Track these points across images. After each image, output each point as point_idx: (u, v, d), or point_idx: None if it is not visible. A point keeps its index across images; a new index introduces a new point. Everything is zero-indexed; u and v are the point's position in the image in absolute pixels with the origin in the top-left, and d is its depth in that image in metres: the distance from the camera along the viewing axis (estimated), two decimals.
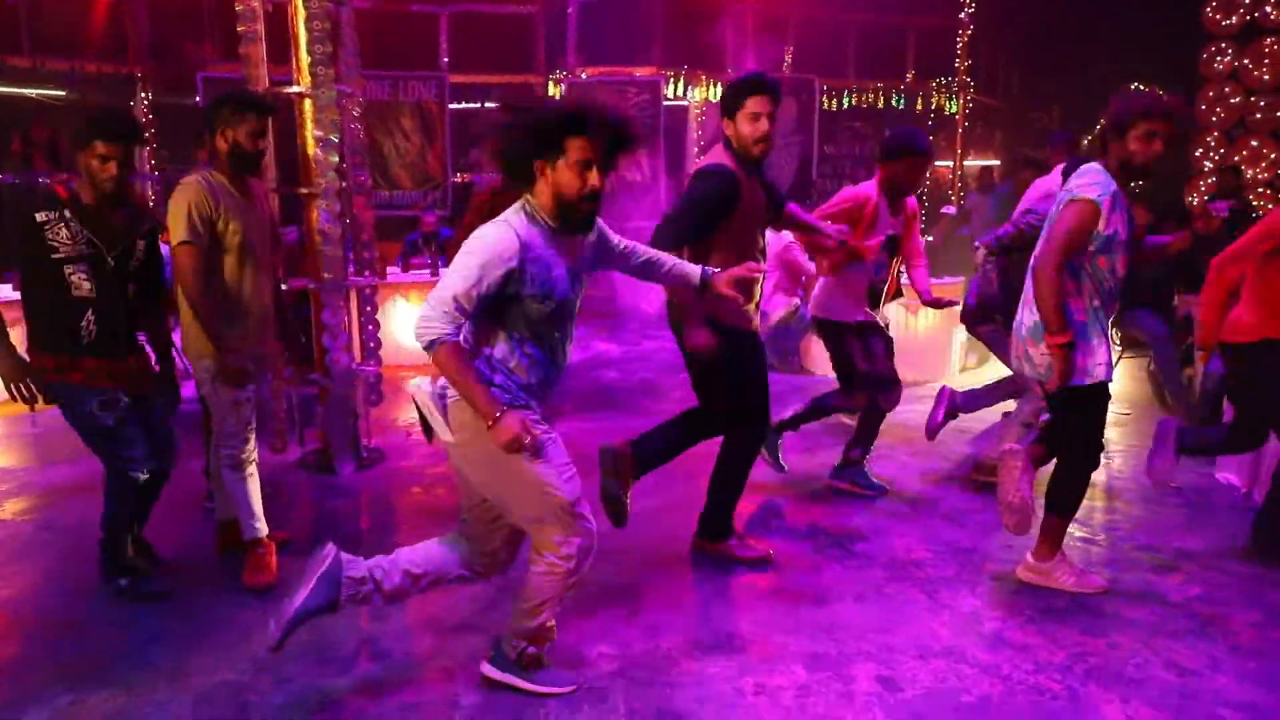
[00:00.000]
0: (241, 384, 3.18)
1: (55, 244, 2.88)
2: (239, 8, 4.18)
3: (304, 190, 4.20)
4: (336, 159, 4.19)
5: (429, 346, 2.26)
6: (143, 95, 10.51)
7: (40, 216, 2.88)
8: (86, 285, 2.94)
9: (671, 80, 11.83)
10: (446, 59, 11.85)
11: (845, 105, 12.42)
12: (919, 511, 3.98)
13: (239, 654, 2.74)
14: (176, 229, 3.12)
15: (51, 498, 4.15)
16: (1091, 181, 2.94)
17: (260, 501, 3.34)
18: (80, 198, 2.94)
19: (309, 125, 4.15)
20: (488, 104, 12.68)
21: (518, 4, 11.85)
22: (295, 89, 4.16)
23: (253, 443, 3.30)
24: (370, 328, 4.69)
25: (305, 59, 4.10)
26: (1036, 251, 3.06)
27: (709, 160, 3.18)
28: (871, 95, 12.47)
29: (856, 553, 3.53)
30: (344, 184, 4.27)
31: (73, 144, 2.91)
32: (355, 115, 4.58)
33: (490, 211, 4.02)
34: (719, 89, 12.12)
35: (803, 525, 3.84)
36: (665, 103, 11.74)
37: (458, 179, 12.18)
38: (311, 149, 4.16)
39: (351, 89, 4.40)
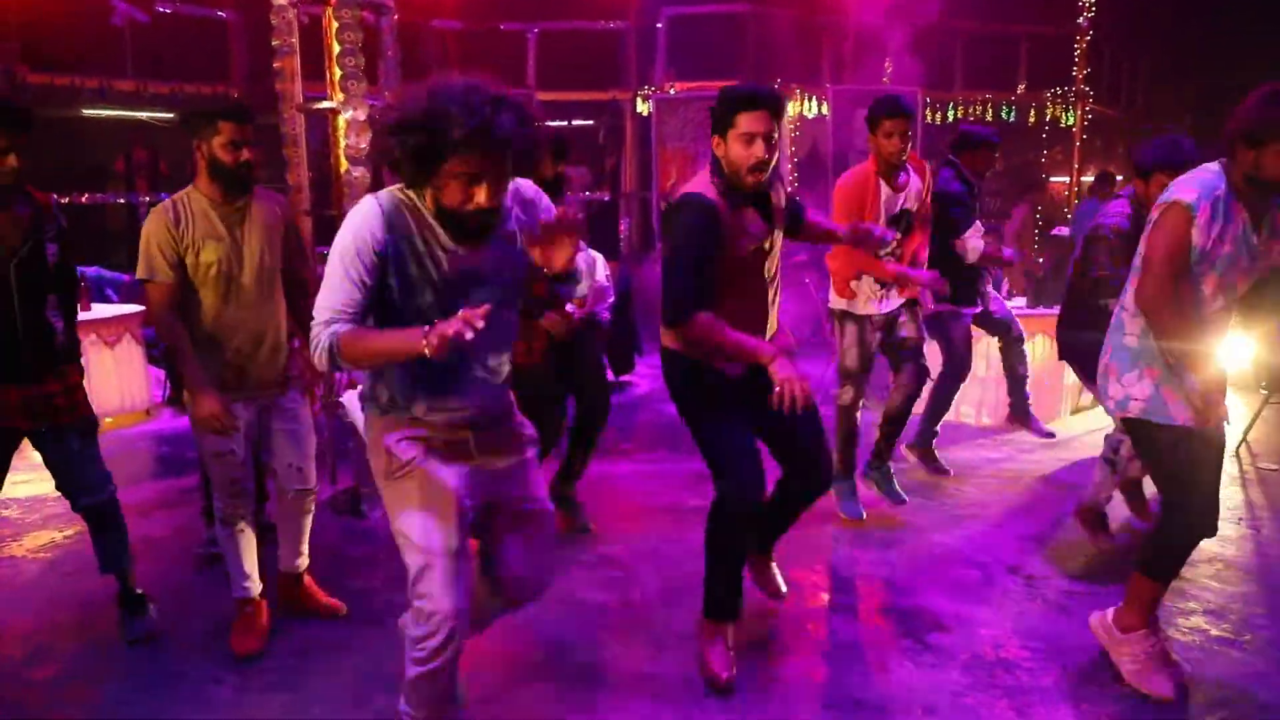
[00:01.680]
0: (215, 431, 2.84)
1: None
2: (273, 20, 3.95)
3: (334, 213, 3.92)
4: (369, 179, 3.89)
5: None
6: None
7: None
8: None
9: None
10: (534, 76, 11.70)
11: (951, 118, 11.66)
12: (1015, 592, 3.37)
13: None
14: (139, 265, 2.84)
15: (73, 534, 3.97)
16: (1190, 180, 2.45)
17: (254, 559, 3.02)
18: None
19: (340, 143, 3.87)
20: (575, 121, 12.48)
21: (607, 20, 11.62)
22: (326, 104, 3.89)
23: (245, 499, 2.98)
24: None
25: (336, 72, 3.82)
26: (1133, 282, 2.60)
27: (686, 187, 2.67)
28: (979, 107, 11.67)
29: (932, 646, 2.95)
30: None
31: None
32: None
33: None
34: (815, 103, 11.58)
35: (872, 604, 3.28)
36: None
37: None
38: (343, 167, 3.88)
39: (387, 104, 4.10)
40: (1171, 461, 2.61)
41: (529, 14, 11.49)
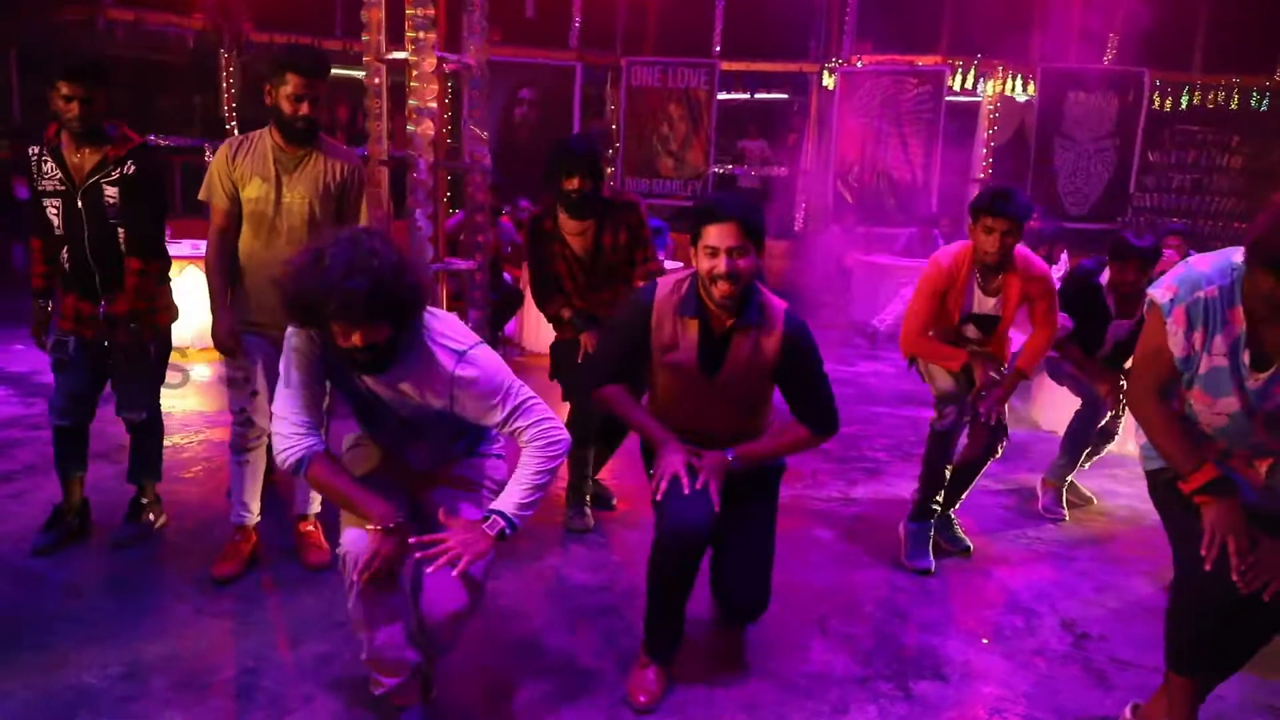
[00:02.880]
0: (224, 351, 3.03)
1: (37, 175, 2.99)
2: None
3: (383, 161, 3.98)
4: (432, 132, 3.89)
5: None
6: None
7: (32, 150, 3.00)
8: (57, 221, 2.99)
9: (960, 71, 10.44)
10: (720, 45, 11.42)
11: (1183, 105, 10.21)
12: (1055, 650, 2.85)
13: (121, 657, 2.50)
14: (202, 187, 3.07)
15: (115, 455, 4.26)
16: (1181, 271, 2.03)
17: (255, 490, 3.14)
18: (58, 136, 2.98)
19: (410, 95, 3.90)
20: (758, 95, 12.08)
21: None
22: (399, 55, 3.93)
23: (254, 428, 3.09)
24: (472, 313, 4.38)
25: (409, 23, 3.83)
26: None
27: (669, 277, 2.52)
28: (1221, 94, 10.12)
29: (914, 696, 2.55)
30: (434, 158, 3.95)
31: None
32: (481, 86, 4.27)
33: (531, 235, 3.55)
34: (1019, 82, 10.52)
35: (874, 636, 2.89)
36: (950, 97, 10.41)
37: (719, 170, 11.74)
38: (409, 120, 3.90)
39: (463, 58, 4.09)
40: (1166, 515, 2.17)
41: None
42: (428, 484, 2.31)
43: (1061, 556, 3.58)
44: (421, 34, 3.78)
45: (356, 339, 1.94)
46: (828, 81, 11.02)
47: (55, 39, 8.93)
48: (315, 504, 3.25)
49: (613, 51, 11.59)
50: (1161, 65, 9.98)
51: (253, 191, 2.97)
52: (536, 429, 2.13)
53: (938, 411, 3.44)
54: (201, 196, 3.07)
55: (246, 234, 3.03)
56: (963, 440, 3.52)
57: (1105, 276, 3.85)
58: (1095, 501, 4.19)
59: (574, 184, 3.26)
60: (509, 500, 2.10)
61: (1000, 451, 3.46)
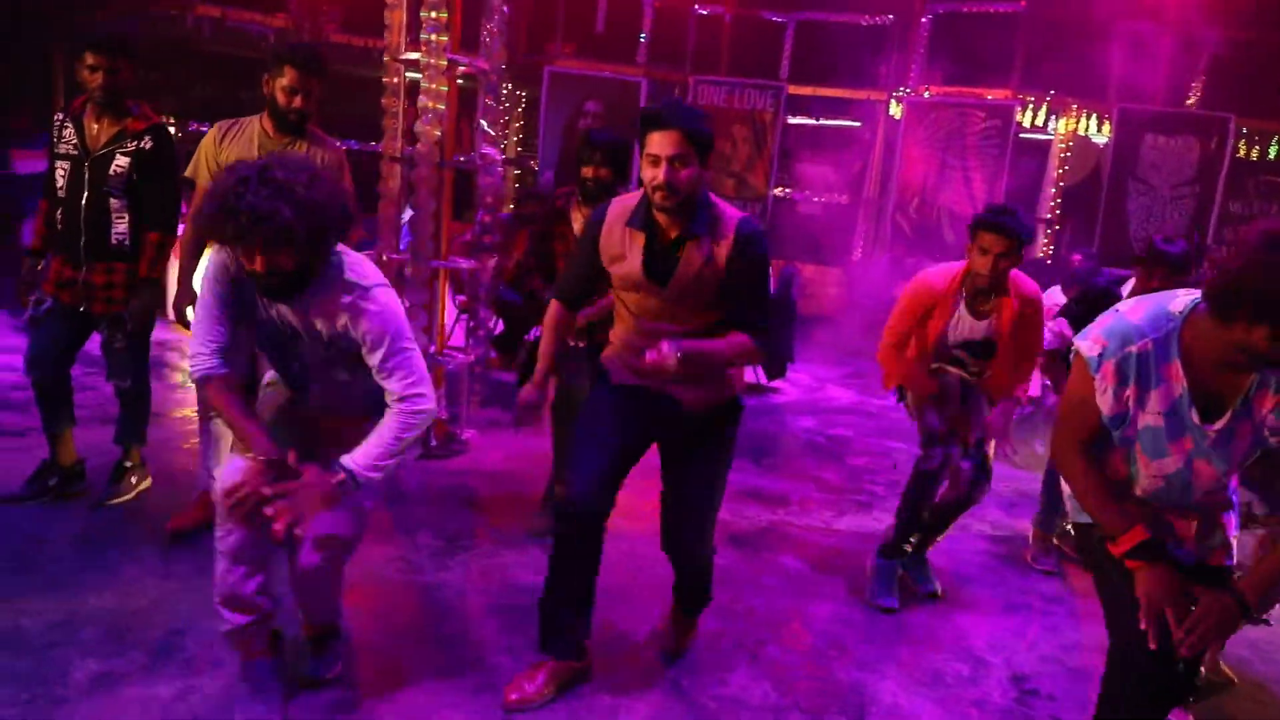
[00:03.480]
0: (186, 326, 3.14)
1: (56, 140, 3.18)
2: None
3: (395, 157, 4.08)
4: (438, 133, 3.98)
5: None
6: (503, 86, 11.46)
7: (57, 117, 3.19)
8: (62, 183, 3.16)
9: (1031, 107, 10.16)
10: (788, 69, 11.37)
11: (1270, 154, 9.72)
12: (995, 704, 2.71)
13: (60, 607, 2.61)
14: (189, 165, 3.23)
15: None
16: (1109, 322, 1.88)
17: (221, 457, 3.23)
18: (83, 107, 3.18)
19: (421, 95, 4.01)
20: (824, 120, 11.97)
21: (870, 15, 10.98)
22: (413, 55, 4.04)
23: None
24: (481, 311, 4.45)
25: (423, 26, 3.94)
26: None
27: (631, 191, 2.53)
28: None
29: None
30: (440, 158, 4.04)
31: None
32: (500, 93, 4.35)
33: (545, 211, 3.57)
34: (1095, 122, 10.18)
35: (801, 670, 2.80)
36: (1023, 134, 10.13)
37: (778, 192, 11.66)
38: (417, 120, 4.01)
39: (476, 62, 4.18)
40: (1098, 578, 2.02)
41: (792, 3, 11.17)
42: (329, 440, 2.31)
43: (1035, 609, 3.41)
44: (434, 36, 3.88)
45: (258, 264, 1.99)
46: (895, 111, 10.86)
47: (146, 32, 9.43)
48: None
49: (681, 69, 11.65)
50: (1248, 111, 9.52)
51: None
52: (405, 388, 2.16)
53: (924, 451, 3.33)
54: (187, 174, 3.23)
55: None
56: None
57: (1128, 288, 3.64)
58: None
59: (589, 172, 3.23)
60: (360, 456, 2.13)
61: (980, 498, 3.31)
